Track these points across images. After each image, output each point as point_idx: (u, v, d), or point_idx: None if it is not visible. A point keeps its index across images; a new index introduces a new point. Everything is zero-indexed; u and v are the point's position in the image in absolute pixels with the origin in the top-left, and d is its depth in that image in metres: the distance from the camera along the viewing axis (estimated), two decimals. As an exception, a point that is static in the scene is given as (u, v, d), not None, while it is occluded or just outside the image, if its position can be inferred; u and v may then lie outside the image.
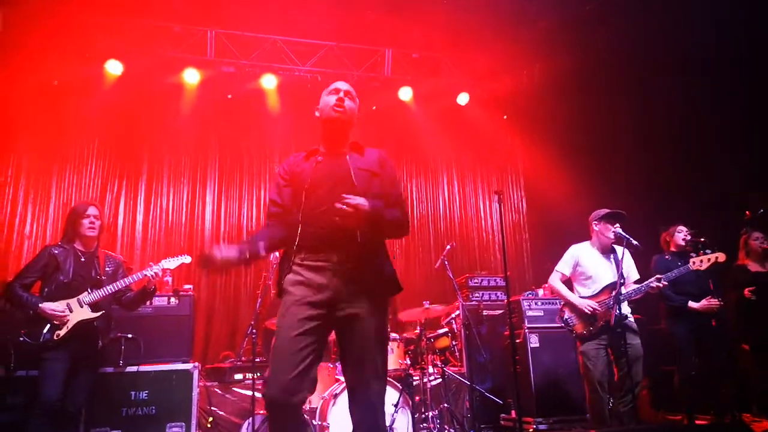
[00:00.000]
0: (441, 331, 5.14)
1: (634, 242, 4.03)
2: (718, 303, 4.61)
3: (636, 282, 4.28)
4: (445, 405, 4.61)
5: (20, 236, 6.57)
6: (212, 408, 4.80)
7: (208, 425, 4.65)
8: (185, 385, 4.30)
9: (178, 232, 7.26)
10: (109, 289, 3.78)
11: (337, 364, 4.70)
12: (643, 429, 2.72)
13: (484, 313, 5.80)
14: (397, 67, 7.59)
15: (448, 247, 5.00)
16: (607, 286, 4.17)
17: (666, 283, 4.12)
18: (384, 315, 2.45)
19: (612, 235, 4.19)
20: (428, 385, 4.63)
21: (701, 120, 6.41)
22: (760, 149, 5.92)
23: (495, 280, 6.26)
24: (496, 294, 6.17)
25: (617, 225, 4.15)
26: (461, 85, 7.97)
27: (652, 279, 4.12)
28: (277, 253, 4.90)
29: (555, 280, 4.41)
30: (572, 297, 4.29)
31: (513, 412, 5.13)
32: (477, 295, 6.14)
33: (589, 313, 4.11)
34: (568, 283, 4.45)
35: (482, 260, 8.21)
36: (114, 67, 6.70)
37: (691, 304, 4.70)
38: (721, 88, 6.20)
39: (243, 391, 4.91)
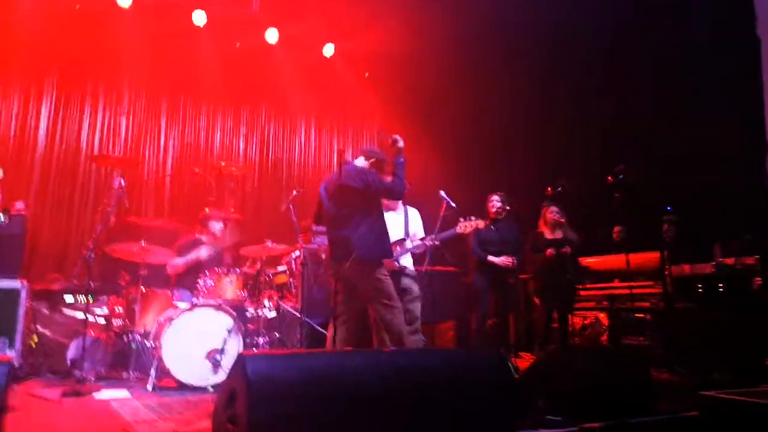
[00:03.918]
0: (280, 268, 5.51)
1: (453, 204, 4.72)
2: (512, 260, 5.52)
3: (421, 239, 4.88)
4: (277, 334, 5.04)
5: None
6: (38, 327, 4.72)
7: (33, 344, 4.59)
8: (11, 302, 4.22)
9: (4, 149, 6.65)
10: None
11: (174, 291, 4.87)
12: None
13: (323, 256, 6.28)
14: (265, 3, 7.49)
15: (294, 192, 5.32)
16: (396, 241, 4.68)
17: (438, 242, 4.76)
18: None
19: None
20: (264, 317, 5.00)
21: (529, 111, 7.48)
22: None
23: (337, 227, 6.74)
24: (336, 239, 6.67)
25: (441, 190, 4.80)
26: (328, 36, 8.15)
27: (428, 237, 4.78)
28: (122, 181, 4.86)
29: None
30: None
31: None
32: (319, 239, 6.58)
33: None
34: None
35: (330, 208, 8.65)
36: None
37: (491, 258, 5.53)
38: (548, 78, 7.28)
39: (73, 313, 4.88)
